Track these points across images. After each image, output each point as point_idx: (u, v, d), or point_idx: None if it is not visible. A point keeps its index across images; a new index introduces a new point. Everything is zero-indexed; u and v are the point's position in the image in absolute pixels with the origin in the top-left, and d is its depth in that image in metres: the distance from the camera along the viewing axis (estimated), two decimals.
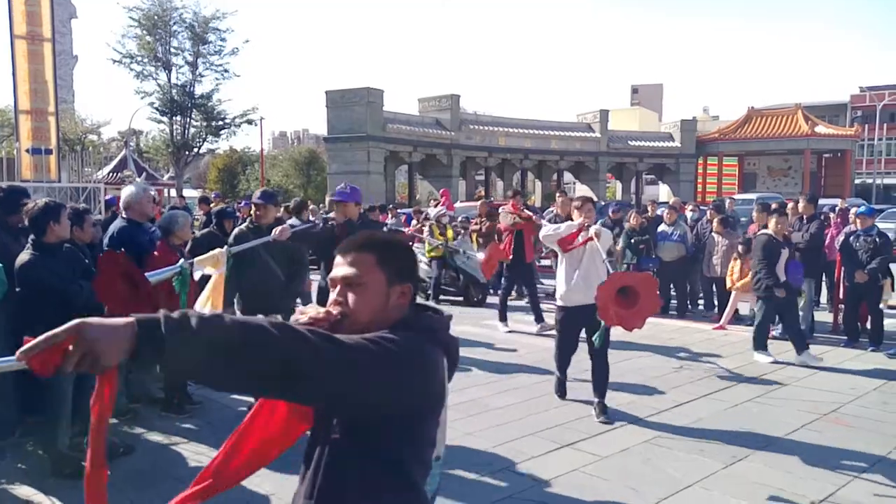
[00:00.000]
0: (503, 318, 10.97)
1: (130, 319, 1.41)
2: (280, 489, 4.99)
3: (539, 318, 10.81)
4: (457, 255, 13.24)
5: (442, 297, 13.63)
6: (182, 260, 5.06)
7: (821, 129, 45.74)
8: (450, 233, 13.73)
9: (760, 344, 9.09)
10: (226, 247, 6.08)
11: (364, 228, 5.57)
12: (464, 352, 9.01)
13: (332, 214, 5.98)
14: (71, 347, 1.37)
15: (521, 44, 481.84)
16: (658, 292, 6.19)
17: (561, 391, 7.22)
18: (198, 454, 5.78)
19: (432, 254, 13.52)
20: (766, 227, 9.50)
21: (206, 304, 5.00)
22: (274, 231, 6.28)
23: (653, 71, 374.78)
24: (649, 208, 13.99)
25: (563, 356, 7.14)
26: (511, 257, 10.83)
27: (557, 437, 6.07)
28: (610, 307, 5.87)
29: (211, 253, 5.29)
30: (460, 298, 13.54)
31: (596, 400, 6.68)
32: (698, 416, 6.68)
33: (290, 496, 4.74)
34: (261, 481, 5.13)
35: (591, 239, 6.59)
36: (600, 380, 6.72)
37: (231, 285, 6.25)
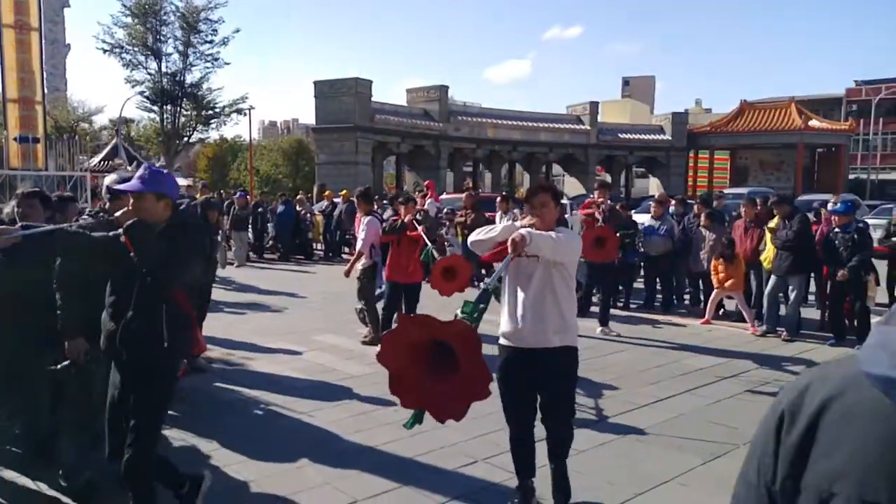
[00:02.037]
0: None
1: None
2: (259, 475, 5.02)
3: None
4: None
5: None
6: None
7: (815, 123, 45.57)
8: None
9: None
10: None
11: (174, 238, 3.86)
12: None
13: (118, 213, 4.11)
14: None
15: (511, 36, 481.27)
16: (481, 350, 3.40)
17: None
18: (180, 440, 5.84)
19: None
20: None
21: None
22: None
23: (645, 63, 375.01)
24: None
25: (516, 440, 4.72)
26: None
27: (535, 431, 6.04)
28: (411, 377, 3.41)
29: None
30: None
31: None
32: (679, 412, 6.68)
33: (268, 483, 4.80)
34: (239, 468, 5.16)
35: (515, 251, 3.99)
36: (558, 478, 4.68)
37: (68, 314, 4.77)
